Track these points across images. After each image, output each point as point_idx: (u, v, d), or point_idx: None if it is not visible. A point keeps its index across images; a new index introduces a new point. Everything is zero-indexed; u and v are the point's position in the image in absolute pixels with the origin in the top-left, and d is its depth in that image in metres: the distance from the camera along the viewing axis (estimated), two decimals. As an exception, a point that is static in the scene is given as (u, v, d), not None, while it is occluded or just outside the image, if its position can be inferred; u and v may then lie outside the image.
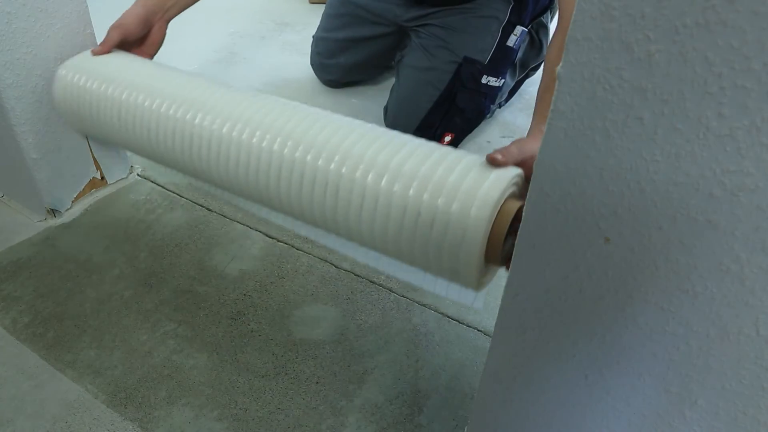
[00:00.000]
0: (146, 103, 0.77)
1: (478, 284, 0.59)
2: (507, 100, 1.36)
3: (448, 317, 0.86)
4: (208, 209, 1.04)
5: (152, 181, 1.10)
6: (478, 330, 0.84)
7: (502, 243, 0.56)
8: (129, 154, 1.12)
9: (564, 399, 0.48)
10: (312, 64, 1.44)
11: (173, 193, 1.08)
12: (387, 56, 1.34)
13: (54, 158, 0.95)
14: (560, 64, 0.35)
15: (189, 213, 1.03)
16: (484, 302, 0.85)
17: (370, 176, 0.60)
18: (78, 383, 0.74)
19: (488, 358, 0.52)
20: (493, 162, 0.58)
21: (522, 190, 0.60)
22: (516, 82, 1.35)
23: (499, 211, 0.55)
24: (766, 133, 0.30)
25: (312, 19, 1.77)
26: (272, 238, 0.99)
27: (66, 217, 1.00)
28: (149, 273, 0.90)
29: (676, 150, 0.33)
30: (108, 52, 0.86)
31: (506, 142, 1.28)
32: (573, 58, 0.34)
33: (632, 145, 0.34)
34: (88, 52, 0.87)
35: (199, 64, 1.53)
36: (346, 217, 0.62)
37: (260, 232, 1.00)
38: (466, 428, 0.63)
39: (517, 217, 0.56)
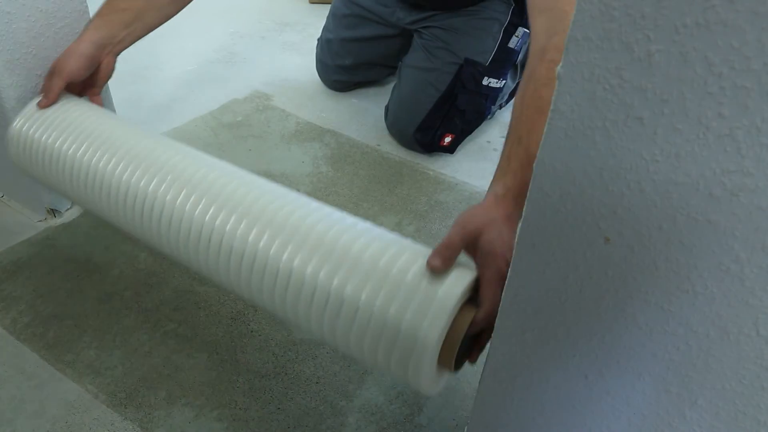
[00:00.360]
0: (93, 161, 0.72)
1: (429, 390, 0.56)
2: (507, 101, 1.36)
3: (448, 317, 0.86)
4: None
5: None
6: (478, 330, 0.84)
7: (455, 352, 0.53)
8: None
9: (564, 399, 0.48)
10: (318, 68, 1.43)
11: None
12: (393, 58, 1.33)
13: (54, 158, 0.95)
14: (560, 64, 0.35)
15: (189, 213, 1.03)
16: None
17: (322, 273, 0.56)
18: (78, 383, 0.74)
19: (488, 358, 0.52)
20: (433, 270, 0.52)
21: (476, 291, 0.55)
22: (516, 84, 1.35)
23: (452, 323, 0.52)
24: (766, 133, 0.30)
25: (312, 19, 1.77)
26: (272, 238, 0.99)
27: (66, 217, 1.00)
28: (149, 273, 0.90)
29: (676, 150, 0.33)
30: (54, 102, 0.78)
31: (506, 142, 1.29)
32: (573, 58, 0.34)
33: (632, 145, 0.34)
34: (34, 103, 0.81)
35: (199, 64, 1.53)
36: (295, 307, 0.59)
37: (260, 232, 1.00)
38: (466, 428, 0.63)
39: (471, 326, 0.54)
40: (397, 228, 1.02)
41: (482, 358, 0.54)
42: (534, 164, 0.39)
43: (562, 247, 0.40)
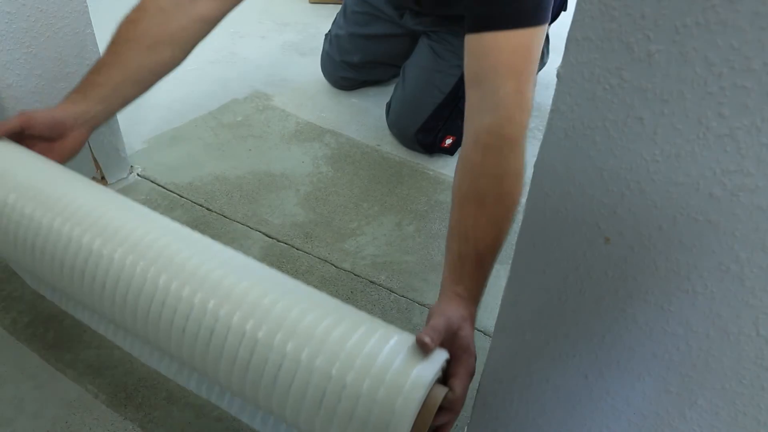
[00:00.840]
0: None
1: None
2: None
3: (448, 317, 0.86)
4: (208, 209, 1.04)
5: (152, 181, 1.10)
6: (478, 330, 0.84)
7: (427, 427, 0.49)
8: (129, 153, 1.12)
9: (564, 399, 0.48)
10: (324, 65, 1.42)
11: (173, 193, 1.08)
12: (400, 57, 1.33)
13: (54, 158, 0.95)
14: (560, 64, 0.35)
15: (189, 213, 1.03)
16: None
17: (289, 345, 0.50)
18: (78, 383, 0.74)
19: (488, 358, 0.52)
20: (423, 348, 0.48)
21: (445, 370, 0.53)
22: None
23: (425, 399, 0.49)
24: (766, 133, 0.30)
25: (312, 20, 1.77)
26: (272, 238, 0.99)
27: (66, 217, 1.00)
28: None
29: (676, 150, 0.33)
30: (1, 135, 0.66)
31: (506, 142, 1.29)
32: (573, 58, 0.34)
33: (632, 145, 0.34)
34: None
35: (199, 64, 1.53)
36: (257, 382, 0.51)
37: (260, 232, 1.00)
38: (466, 428, 0.63)
39: (440, 411, 0.51)
40: (397, 228, 1.02)
41: (483, 357, 0.54)
42: (534, 164, 0.39)
43: (562, 247, 0.40)
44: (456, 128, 1.20)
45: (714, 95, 0.31)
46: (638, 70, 0.32)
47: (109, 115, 0.76)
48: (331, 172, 1.16)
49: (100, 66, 0.74)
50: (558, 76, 0.35)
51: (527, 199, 0.41)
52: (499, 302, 0.48)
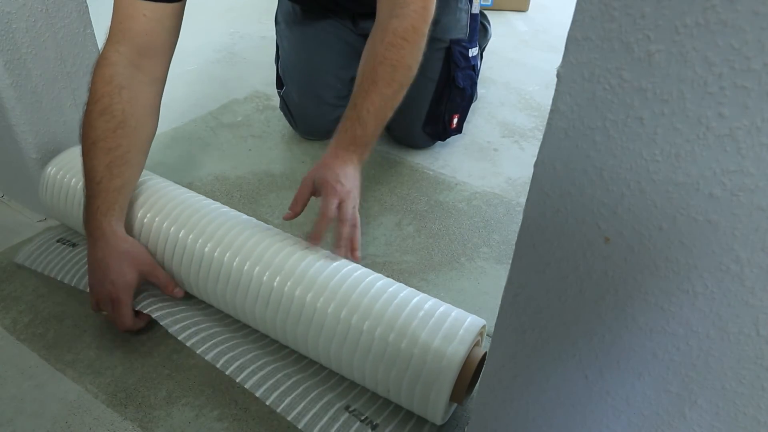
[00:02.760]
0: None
1: (442, 419, 0.67)
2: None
3: (448, 317, 0.86)
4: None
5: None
6: (478, 330, 0.84)
7: (467, 386, 0.65)
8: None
9: (564, 399, 0.48)
10: (304, 127, 1.24)
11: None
12: None
13: (53, 158, 0.95)
14: (560, 64, 0.35)
15: (189, 213, 1.03)
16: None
17: (354, 318, 0.67)
18: (78, 383, 0.74)
19: (488, 357, 0.52)
20: (286, 218, 0.76)
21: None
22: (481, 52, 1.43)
23: (466, 359, 0.64)
24: (766, 133, 0.30)
25: (312, 19, 1.77)
26: (272, 238, 0.99)
27: (66, 217, 1.00)
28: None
29: (676, 150, 0.33)
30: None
31: (506, 141, 1.28)
32: (573, 58, 0.34)
33: (632, 145, 0.34)
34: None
35: (199, 64, 1.53)
36: (330, 348, 0.69)
37: (260, 232, 1.00)
38: (466, 428, 0.63)
39: (481, 364, 0.67)
40: (397, 228, 1.02)
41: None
42: (534, 164, 0.39)
43: (562, 247, 0.40)
44: (457, 106, 1.21)
45: (714, 95, 0.31)
46: (638, 70, 0.32)
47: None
48: (331, 172, 1.16)
49: (96, 174, 0.74)
50: (558, 76, 0.35)
51: (527, 199, 0.41)
52: (499, 302, 0.48)
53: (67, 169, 0.87)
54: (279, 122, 1.30)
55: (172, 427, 0.70)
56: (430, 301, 0.68)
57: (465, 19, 1.19)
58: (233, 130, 1.27)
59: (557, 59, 0.35)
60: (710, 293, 0.36)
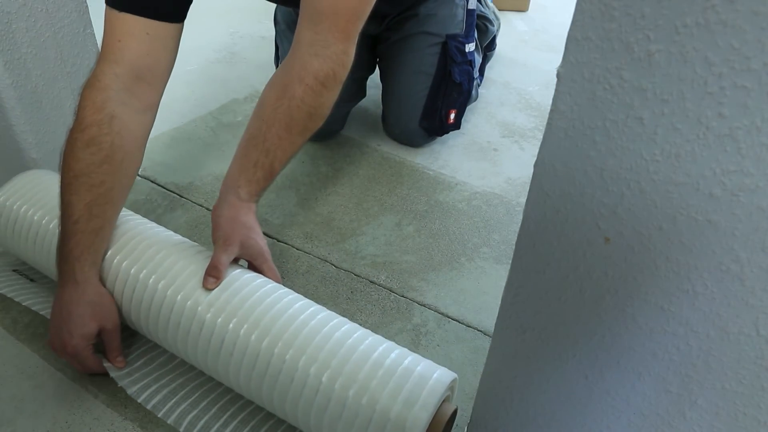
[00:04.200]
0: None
1: None
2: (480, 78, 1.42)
3: (448, 317, 0.86)
4: (207, 209, 1.04)
5: (152, 181, 1.10)
6: (478, 330, 0.84)
7: None
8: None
9: (564, 399, 0.48)
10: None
11: (173, 193, 1.08)
12: (370, 66, 1.29)
13: (54, 158, 0.95)
14: (560, 64, 0.35)
15: (189, 213, 1.03)
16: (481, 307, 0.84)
17: (312, 368, 0.60)
18: (78, 383, 0.74)
19: (488, 358, 0.52)
20: (210, 288, 0.66)
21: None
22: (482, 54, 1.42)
23: (435, 415, 0.57)
24: (766, 133, 0.30)
25: (312, 19, 1.77)
26: (272, 238, 0.99)
27: (66, 217, 1.00)
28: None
29: (676, 150, 0.33)
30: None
31: (506, 141, 1.28)
32: (573, 58, 0.34)
33: (632, 145, 0.34)
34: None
35: (199, 64, 1.53)
36: (285, 401, 0.62)
37: (260, 232, 1.00)
38: (466, 428, 0.63)
39: (450, 420, 0.60)
40: (397, 228, 1.02)
41: (483, 357, 0.54)
42: (534, 164, 0.39)
43: (562, 247, 0.40)
44: (453, 100, 1.21)
45: (714, 95, 0.31)
46: (638, 70, 0.32)
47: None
48: (330, 172, 1.16)
49: (73, 213, 0.68)
50: (558, 76, 0.35)
51: (527, 199, 0.41)
52: (499, 302, 0.48)
53: (17, 197, 0.78)
54: (279, 122, 1.30)
55: (172, 427, 0.70)
56: (394, 353, 0.61)
57: (461, 14, 1.20)
58: (233, 130, 1.27)
59: (557, 59, 0.35)
60: (710, 293, 0.36)
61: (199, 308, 0.65)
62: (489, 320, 0.85)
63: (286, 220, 1.03)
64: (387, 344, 0.62)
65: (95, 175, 0.69)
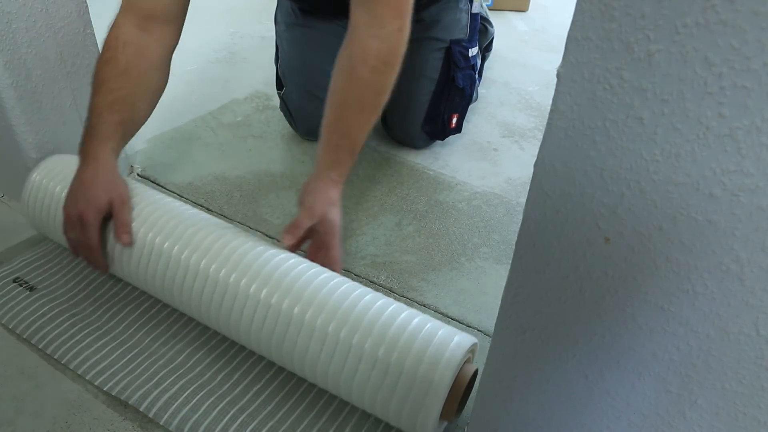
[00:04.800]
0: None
1: None
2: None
3: (448, 317, 0.86)
4: (208, 209, 1.04)
5: (152, 181, 1.10)
6: (478, 330, 0.84)
7: (458, 404, 0.64)
8: (129, 153, 1.12)
9: (564, 399, 0.48)
10: (301, 124, 1.24)
11: (173, 193, 1.08)
12: None
13: (54, 158, 0.95)
14: (560, 64, 0.35)
15: (189, 213, 1.03)
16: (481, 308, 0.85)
17: (343, 331, 0.64)
18: (78, 383, 0.74)
19: (488, 358, 0.52)
20: (287, 246, 0.74)
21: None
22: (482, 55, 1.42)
23: (457, 375, 0.63)
24: (766, 133, 0.30)
25: (312, 19, 1.77)
26: (272, 238, 0.99)
27: (66, 217, 1.00)
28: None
29: (676, 150, 0.33)
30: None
31: (506, 141, 1.28)
32: (573, 58, 0.34)
33: (632, 145, 0.34)
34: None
35: (199, 64, 1.53)
36: (317, 363, 0.67)
37: (260, 232, 1.00)
38: (466, 428, 0.63)
39: (472, 380, 0.66)
40: (397, 228, 1.02)
41: (483, 357, 0.54)
42: (534, 164, 0.39)
43: (562, 247, 0.40)
44: (456, 105, 1.21)
45: (714, 95, 0.31)
46: (638, 70, 0.32)
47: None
48: (331, 172, 1.16)
49: (96, 109, 0.78)
50: (558, 76, 0.35)
51: (527, 199, 0.41)
52: (499, 302, 0.48)
53: (51, 177, 0.84)
54: (279, 122, 1.30)
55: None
56: (418, 317, 0.66)
57: (465, 19, 1.20)
58: (233, 130, 1.27)
59: (557, 59, 0.35)
60: (710, 293, 0.36)
61: (232, 278, 0.70)
62: (489, 320, 0.85)
63: (286, 220, 1.03)
64: (410, 310, 0.67)
65: (114, 82, 0.79)
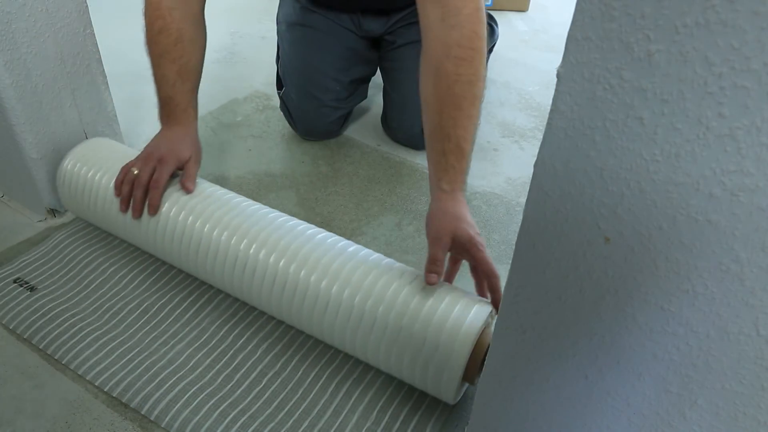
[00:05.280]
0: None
1: (454, 399, 0.70)
2: None
3: (448, 317, 0.86)
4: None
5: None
6: (478, 330, 0.84)
7: (479, 368, 0.67)
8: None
9: (564, 399, 0.48)
10: (305, 119, 1.22)
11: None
12: (372, 65, 1.26)
13: (54, 158, 0.95)
14: (560, 64, 0.35)
15: (189, 213, 1.03)
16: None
17: (368, 303, 0.70)
18: (78, 383, 0.74)
19: (488, 358, 0.52)
20: (433, 284, 0.70)
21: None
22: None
23: (477, 342, 0.67)
24: (766, 133, 0.30)
25: (312, 19, 1.77)
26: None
27: (66, 217, 1.00)
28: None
29: (676, 150, 0.33)
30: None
31: (506, 141, 1.28)
32: (573, 58, 0.34)
33: (632, 145, 0.34)
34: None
35: (199, 64, 1.52)
36: (344, 332, 0.72)
37: (260, 232, 1.00)
38: (466, 428, 0.63)
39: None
40: (397, 228, 1.02)
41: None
42: (534, 164, 0.39)
43: (562, 247, 0.40)
44: None
45: (714, 95, 0.31)
46: (638, 70, 0.32)
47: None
48: (330, 171, 1.16)
49: (169, 79, 0.86)
50: (558, 76, 0.35)
51: (527, 199, 0.41)
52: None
53: (83, 162, 0.89)
54: (279, 122, 1.30)
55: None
56: (442, 286, 0.71)
57: None
58: (233, 130, 1.27)
59: (557, 59, 0.35)
60: (710, 293, 0.36)
61: (281, 263, 0.74)
62: (489, 320, 0.85)
63: (286, 220, 1.03)
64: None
65: (174, 51, 0.85)
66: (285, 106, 1.24)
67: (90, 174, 0.87)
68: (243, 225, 0.77)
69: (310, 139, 1.25)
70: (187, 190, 0.82)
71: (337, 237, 0.78)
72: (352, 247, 0.76)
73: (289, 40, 1.21)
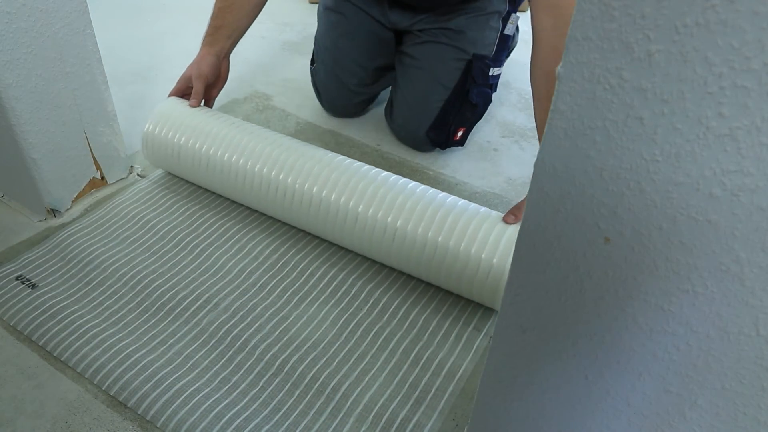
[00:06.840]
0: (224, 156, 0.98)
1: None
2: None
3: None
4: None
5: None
6: (478, 330, 0.84)
7: None
8: (129, 153, 1.12)
9: (564, 399, 0.48)
10: (331, 97, 1.32)
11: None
12: (392, 56, 1.29)
13: (54, 158, 0.95)
14: (560, 64, 0.35)
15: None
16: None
17: (430, 232, 0.83)
18: (78, 383, 0.74)
19: (488, 358, 0.52)
20: (507, 221, 0.82)
21: None
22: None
23: None
24: (766, 133, 0.30)
25: (312, 19, 1.77)
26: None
27: (66, 217, 1.00)
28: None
29: (676, 150, 0.33)
30: (200, 101, 1.06)
31: (506, 141, 1.28)
32: (573, 58, 0.34)
33: (632, 145, 0.34)
34: (175, 104, 1.06)
35: (199, 64, 1.52)
36: (409, 257, 0.86)
37: (260, 232, 1.00)
38: (466, 428, 0.63)
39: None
40: (397, 228, 1.02)
41: (483, 357, 0.54)
42: (534, 164, 0.39)
43: (562, 247, 0.40)
44: (465, 119, 1.20)
45: (714, 95, 0.31)
46: (638, 70, 0.32)
47: (235, 43, 1.13)
48: (331, 172, 1.16)
49: (218, 12, 1.07)
50: (558, 76, 0.35)
51: (527, 199, 0.41)
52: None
53: (163, 124, 1.02)
54: (279, 122, 1.30)
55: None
56: (494, 213, 0.85)
57: (493, 37, 1.18)
58: (233, 130, 1.27)
59: (557, 59, 0.34)
60: (710, 293, 0.36)
61: (333, 196, 0.89)
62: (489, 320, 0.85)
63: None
64: (484, 210, 0.85)
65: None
66: (314, 81, 1.34)
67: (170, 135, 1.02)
68: (322, 173, 0.90)
69: (333, 115, 1.35)
70: (192, 105, 1.03)
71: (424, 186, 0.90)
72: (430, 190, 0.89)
73: (324, 22, 1.28)
